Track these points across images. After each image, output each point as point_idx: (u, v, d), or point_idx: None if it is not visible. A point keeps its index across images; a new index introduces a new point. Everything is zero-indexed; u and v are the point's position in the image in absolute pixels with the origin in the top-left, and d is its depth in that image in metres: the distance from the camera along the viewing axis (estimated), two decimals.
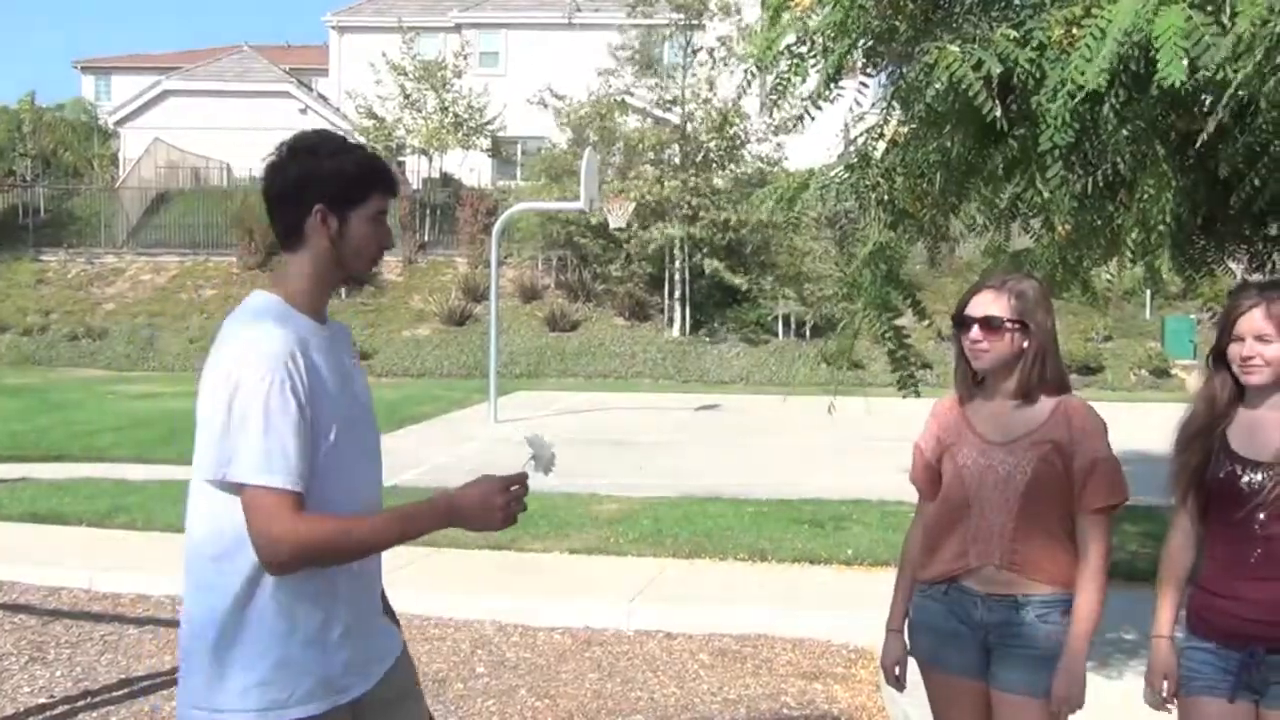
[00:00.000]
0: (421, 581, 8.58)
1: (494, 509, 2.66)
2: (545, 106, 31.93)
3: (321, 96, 44.61)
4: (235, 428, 2.53)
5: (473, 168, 37.63)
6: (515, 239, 32.20)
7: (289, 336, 2.61)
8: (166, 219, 37.07)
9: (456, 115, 36.49)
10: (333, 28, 45.37)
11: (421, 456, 15.46)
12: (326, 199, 2.70)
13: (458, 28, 42.08)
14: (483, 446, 17.08)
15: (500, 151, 39.22)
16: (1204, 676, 3.42)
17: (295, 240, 2.74)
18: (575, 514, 11.02)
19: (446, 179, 37.71)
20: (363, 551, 2.70)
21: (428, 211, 35.68)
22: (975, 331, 3.50)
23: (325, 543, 2.58)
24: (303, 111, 42.29)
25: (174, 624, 7.50)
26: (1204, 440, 3.45)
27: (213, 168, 40.75)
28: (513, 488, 2.69)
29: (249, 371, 2.54)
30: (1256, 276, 6.24)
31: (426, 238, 35.62)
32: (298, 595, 2.63)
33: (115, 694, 6.30)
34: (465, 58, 37.45)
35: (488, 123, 37.22)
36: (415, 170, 38.15)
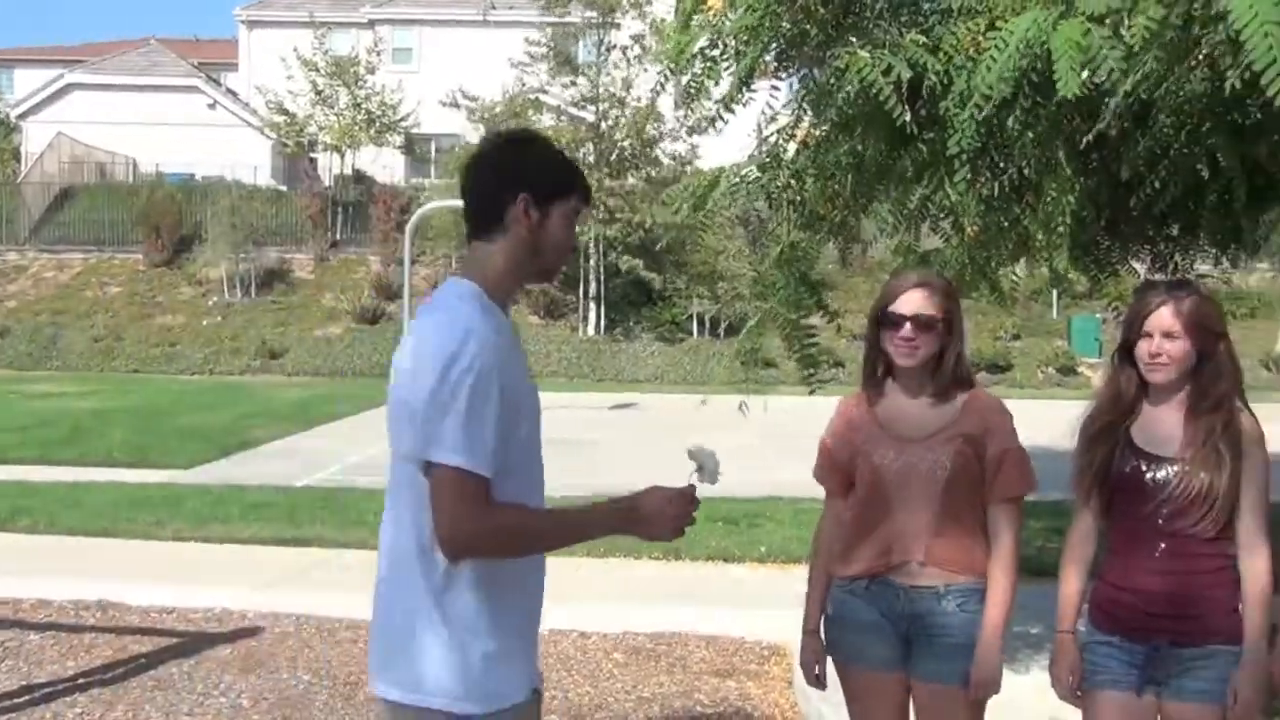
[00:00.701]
0: (333, 582, 8.50)
1: (668, 518, 2.69)
2: (458, 107, 31.80)
3: (231, 92, 44.00)
4: (439, 410, 2.52)
5: (386, 165, 37.36)
6: (429, 237, 32.01)
7: (493, 324, 2.64)
8: (70, 215, 36.37)
9: (369, 112, 36.22)
10: (243, 22, 44.79)
11: (334, 456, 15.33)
12: (532, 189, 2.72)
13: (371, 23, 41.75)
14: None
15: (414, 149, 38.99)
16: (1108, 670, 3.49)
17: (494, 229, 2.75)
18: None
19: (359, 176, 37.39)
20: (540, 547, 2.73)
21: (340, 209, 35.36)
22: (908, 329, 3.53)
23: (510, 534, 2.61)
24: (211, 106, 41.72)
25: (77, 629, 7.37)
26: (1108, 437, 3.53)
27: (118, 163, 40.05)
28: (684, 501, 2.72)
29: (458, 355, 2.53)
30: (1160, 276, 6.40)
31: (339, 235, 35.31)
32: (499, 585, 2.63)
33: (16, 701, 6.18)
34: (378, 54, 37.19)
35: (401, 120, 36.97)
36: (327, 167, 37.81)
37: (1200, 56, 3.82)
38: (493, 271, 2.75)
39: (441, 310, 2.68)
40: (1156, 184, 4.84)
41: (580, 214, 2.83)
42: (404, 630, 2.63)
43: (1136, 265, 6.77)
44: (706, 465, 2.81)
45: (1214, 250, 6.50)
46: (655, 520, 2.69)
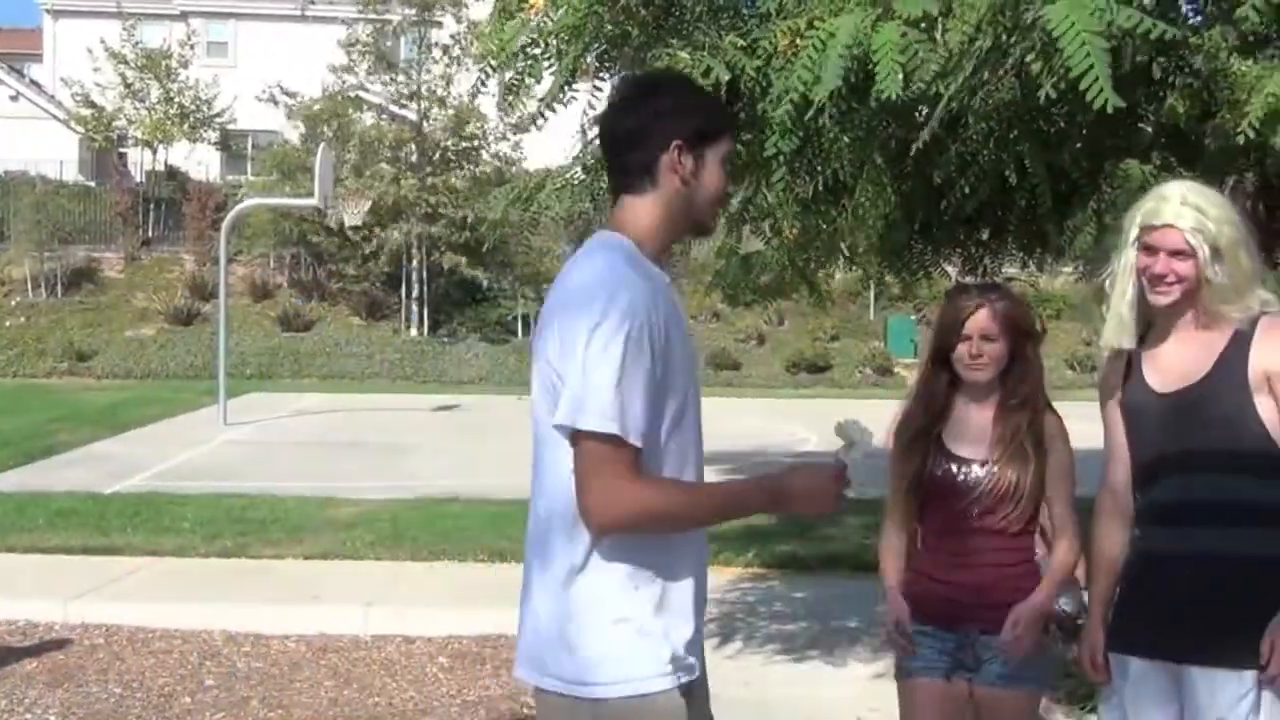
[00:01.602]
0: (146, 590, 8.24)
1: (826, 493, 2.53)
2: (275, 104, 31.14)
3: (34, 83, 42.21)
4: (584, 374, 2.33)
5: (200, 161, 36.33)
6: (246, 236, 31.23)
7: (647, 284, 2.42)
8: None
9: (182, 107, 35.19)
10: (48, 11, 43.02)
11: (147, 461, 14.85)
12: (685, 135, 2.49)
13: (183, 15, 40.54)
14: (213, 450, 16.52)
15: (230, 145, 38.00)
16: (921, 658, 3.59)
17: (644, 181, 2.51)
18: (310, 518, 10.77)
19: (172, 172, 36.29)
20: (690, 524, 2.53)
21: (152, 206, 34.27)
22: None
23: (660, 509, 2.42)
24: (14, 98, 39.97)
25: None
26: (922, 445, 3.62)
27: None
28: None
29: (608, 316, 2.33)
30: (970, 278, 6.60)
31: (151, 233, 34.22)
32: (643, 562, 2.44)
33: None
34: (191, 47, 36.13)
35: (216, 115, 36.01)
36: (138, 163, 36.62)
37: (1009, 65, 3.96)
38: (645, 228, 2.52)
39: (589, 264, 2.47)
40: (967, 189, 4.98)
41: (731, 157, 2.63)
42: (554, 614, 2.48)
43: (948, 268, 6.96)
44: (857, 440, 2.64)
45: (1021, 254, 6.73)
46: (806, 498, 2.52)
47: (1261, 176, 5.40)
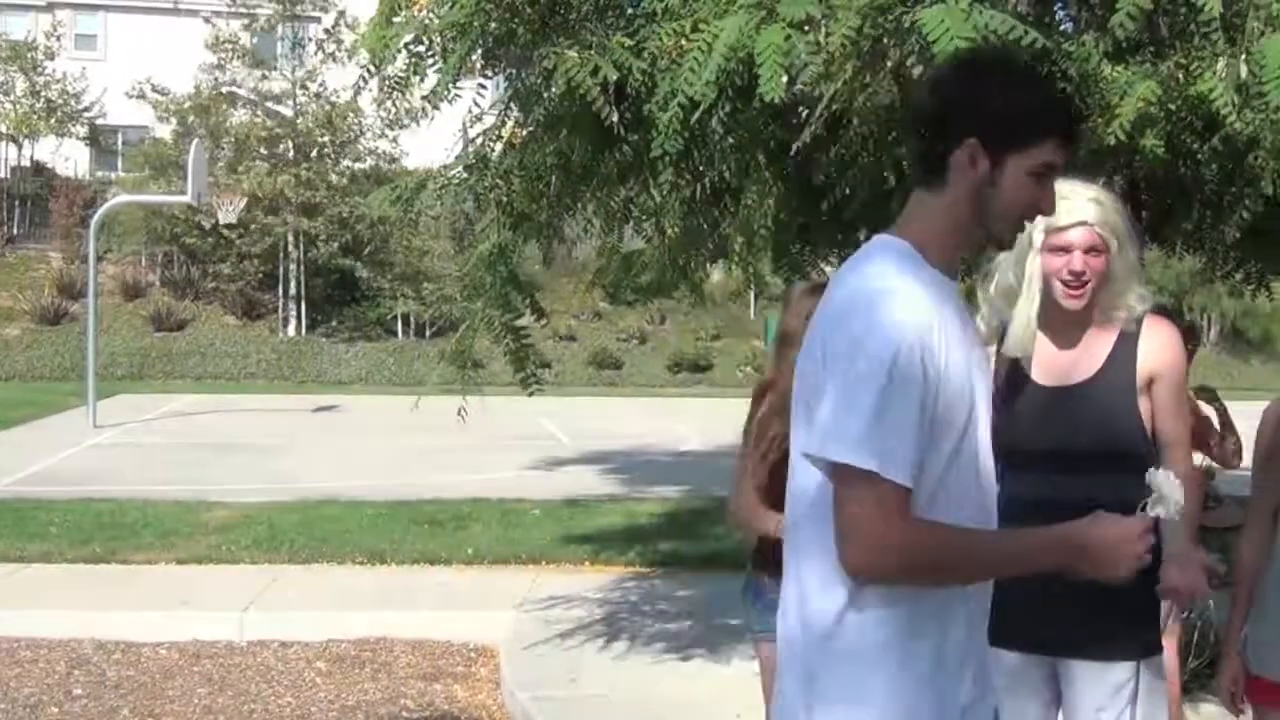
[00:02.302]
0: (10, 598, 7.97)
1: (1129, 553, 2.15)
2: (145, 99, 30.44)
3: None
4: (847, 396, 2.01)
5: (68, 157, 35.30)
6: (116, 234, 30.44)
7: (928, 298, 2.07)
8: None
9: (49, 100, 34.15)
10: None
11: (12, 465, 14.37)
12: (981, 133, 2.11)
13: (50, 6, 39.35)
14: (81, 453, 16.08)
15: (99, 141, 36.96)
16: None
17: (935, 177, 2.16)
18: (183, 522, 10.52)
19: (39, 168, 35.24)
20: (975, 576, 2.20)
21: (17, 202, 33.25)
22: None
23: (941, 559, 2.09)
24: None
25: None
26: None
27: None
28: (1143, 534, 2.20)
29: (876, 333, 2.02)
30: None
31: (16, 230, 33.21)
32: (915, 613, 2.11)
33: None
34: (58, 38, 35.09)
35: (85, 109, 35.02)
36: (3, 158, 35.48)
37: (889, 68, 4.02)
38: (930, 230, 2.16)
39: (863, 270, 2.14)
40: (846, 190, 5.05)
41: (1055, 170, 2.17)
42: (807, 665, 2.14)
43: (827, 268, 7.05)
44: (1168, 495, 2.31)
45: None
46: (1107, 557, 2.16)
47: (1130, 179, 5.56)
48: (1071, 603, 2.94)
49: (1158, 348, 2.98)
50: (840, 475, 2.03)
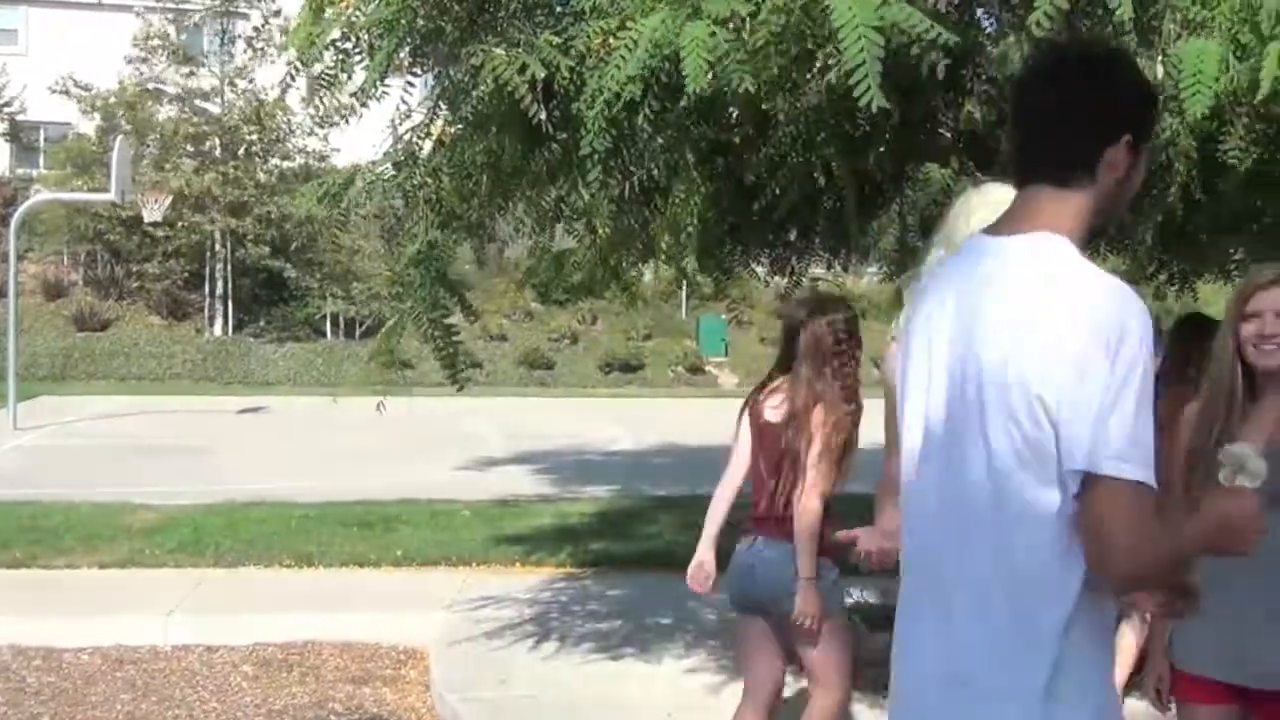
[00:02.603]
0: None
1: (1251, 532, 2.07)
2: (68, 95, 29.93)
3: None
4: (1108, 406, 1.91)
5: None
6: (38, 232, 29.90)
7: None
8: None
9: None
10: None
11: None
12: (1134, 129, 2.10)
13: None
14: (2, 455, 15.79)
15: (20, 137, 36.24)
16: None
17: (1082, 173, 2.09)
18: (106, 525, 10.34)
19: None
20: (1175, 570, 2.28)
21: None
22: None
23: (1169, 557, 2.07)
24: None
25: None
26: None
27: None
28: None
29: (1127, 333, 1.93)
30: (780, 278, 6.69)
31: None
32: (1103, 626, 2.11)
33: None
34: None
35: (5, 105, 34.36)
36: None
37: (816, 69, 4.04)
38: (1079, 228, 2.09)
39: (1078, 273, 2.03)
40: (776, 190, 5.07)
41: None
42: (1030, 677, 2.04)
43: (757, 268, 7.08)
44: (1249, 465, 2.23)
45: (828, 254, 6.89)
46: (1235, 535, 2.09)
47: None
48: None
49: None
50: (1109, 486, 1.94)
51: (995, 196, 3.01)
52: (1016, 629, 2.04)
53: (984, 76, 4.59)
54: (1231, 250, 6.83)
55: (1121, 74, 2.16)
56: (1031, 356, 1.97)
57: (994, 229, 2.17)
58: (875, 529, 3.20)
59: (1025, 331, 1.99)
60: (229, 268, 29.78)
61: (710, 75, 3.61)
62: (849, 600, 7.44)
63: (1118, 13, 3.61)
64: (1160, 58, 3.83)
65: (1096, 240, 6.90)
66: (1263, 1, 3.52)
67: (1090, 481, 1.95)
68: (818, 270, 7.44)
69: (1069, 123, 2.10)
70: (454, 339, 5.44)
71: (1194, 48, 3.64)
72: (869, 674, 5.20)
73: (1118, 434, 1.92)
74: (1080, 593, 2.01)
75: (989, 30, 4.89)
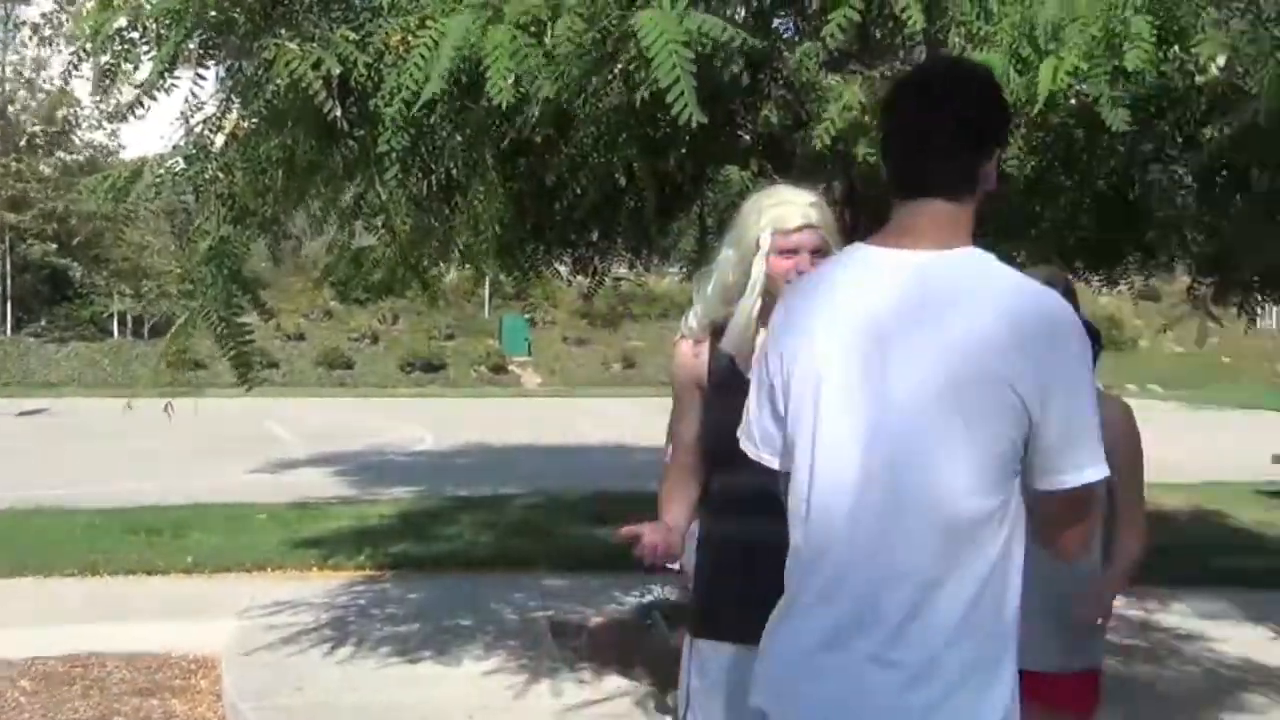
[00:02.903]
0: None
1: None
2: None
3: None
4: (1095, 419, 2.11)
5: None
6: None
7: None
8: None
9: None
10: None
11: None
12: (1001, 142, 2.28)
13: None
14: None
15: None
16: None
17: (967, 187, 2.20)
18: None
19: None
20: None
21: None
22: None
23: None
24: None
25: None
26: None
27: None
28: None
29: (1086, 351, 2.14)
30: (582, 278, 6.71)
31: None
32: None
33: None
34: None
35: None
36: None
37: (617, 70, 4.06)
38: (964, 240, 2.20)
39: (1025, 280, 2.18)
40: (578, 190, 5.08)
41: None
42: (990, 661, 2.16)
43: (560, 268, 7.08)
44: None
45: (630, 255, 6.93)
46: None
47: (848, 184, 5.78)
48: (775, 590, 3.04)
49: None
50: (1089, 488, 2.12)
51: (784, 197, 3.09)
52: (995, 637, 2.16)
53: (781, 81, 4.67)
54: (1014, 254, 7.12)
55: (994, 92, 2.28)
56: (1018, 362, 2.07)
57: (893, 243, 2.21)
58: (660, 524, 3.22)
59: (1012, 341, 2.08)
60: (8, 264, 28.46)
61: (513, 82, 3.60)
62: (647, 598, 7.57)
63: (909, 25, 3.72)
64: None
65: None
66: (1040, 17, 3.67)
67: (1075, 490, 2.12)
68: (620, 270, 7.48)
69: (959, 140, 2.20)
70: (247, 338, 5.30)
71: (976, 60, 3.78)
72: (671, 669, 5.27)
73: (1096, 436, 2.11)
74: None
75: (786, 35, 4.99)
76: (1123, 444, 3.21)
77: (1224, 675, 6.49)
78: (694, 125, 3.29)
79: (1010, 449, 2.08)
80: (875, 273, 2.21)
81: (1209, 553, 9.76)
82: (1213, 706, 5.84)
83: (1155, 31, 3.64)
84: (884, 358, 2.14)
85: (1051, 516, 2.18)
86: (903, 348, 2.12)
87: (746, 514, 3.11)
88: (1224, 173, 4.78)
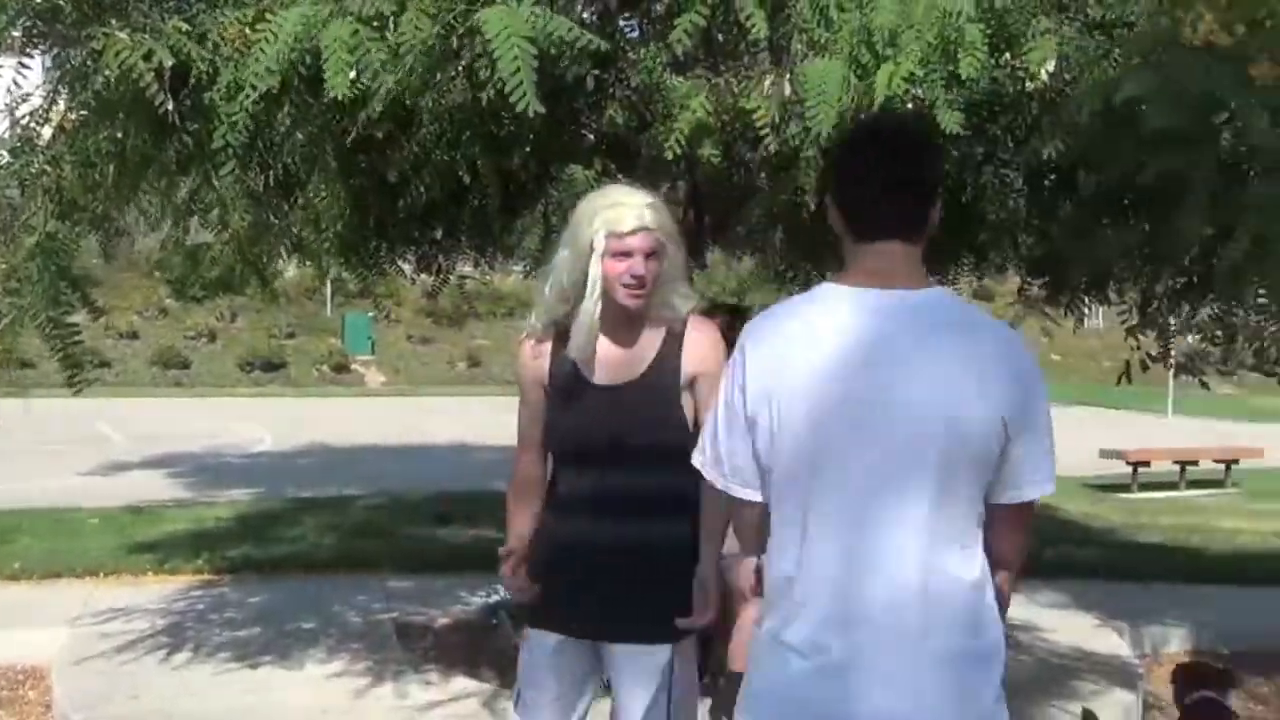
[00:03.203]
0: None
1: None
2: None
3: None
4: (1050, 439, 2.35)
5: None
6: None
7: None
8: None
9: None
10: None
11: None
12: (940, 191, 2.47)
13: None
14: None
15: None
16: None
17: (920, 230, 2.38)
18: None
19: None
20: None
21: None
22: None
23: None
24: None
25: None
26: None
27: None
28: None
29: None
30: (426, 276, 6.64)
31: None
32: None
33: None
34: None
35: None
36: None
37: (461, 67, 4.04)
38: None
39: (999, 322, 2.49)
40: (421, 188, 5.04)
41: None
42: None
43: (403, 265, 7.00)
44: None
45: (474, 253, 6.89)
46: None
47: (693, 184, 5.84)
48: (613, 593, 3.10)
49: (702, 347, 3.14)
50: (1031, 505, 2.37)
51: (618, 198, 3.10)
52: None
53: (625, 83, 4.70)
54: None
55: (937, 145, 2.70)
56: (1011, 393, 2.28)
57: (868, 283, 2.33)
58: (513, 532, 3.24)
59: (1009, 373, 2.30)
60: None
61: (353, 76, 3.56)
62: (493, 598, 7.54)
63: (753, 30, 3.77)
64: (789, 76, 4.03)
65: (733, 242, 7.23)
66: (877, 25, 3.76)
67: (1027, 505, 2.35)
68: (465, 269, 7.43)
69: (918, 191, 2.39)
70: (75, 338, 5.13)
71: (818, 68, 3.84)
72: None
73: (1050, 460, 2.34)
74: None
75: (632, 37, 5.02)
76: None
77: (1055, 664, 6.73)
78: (533, 116, 3.31)
79: (992, 470, 2.28)
80: (867, 311, 2.31)
81: (1040, 545, 10.10)
82: (1046, 694, 6.04)
83: (987, 39, 3.76)
84: (888, 394, 2.25)
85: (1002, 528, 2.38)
86: (905, 383, 2.25)
87: (587, 515, 3.15)
88: (1052, 176, 4.95)
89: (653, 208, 3.09)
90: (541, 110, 3.31)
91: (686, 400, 3.12)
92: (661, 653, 3.09)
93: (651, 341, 3.15)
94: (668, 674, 3.09)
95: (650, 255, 3.05)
